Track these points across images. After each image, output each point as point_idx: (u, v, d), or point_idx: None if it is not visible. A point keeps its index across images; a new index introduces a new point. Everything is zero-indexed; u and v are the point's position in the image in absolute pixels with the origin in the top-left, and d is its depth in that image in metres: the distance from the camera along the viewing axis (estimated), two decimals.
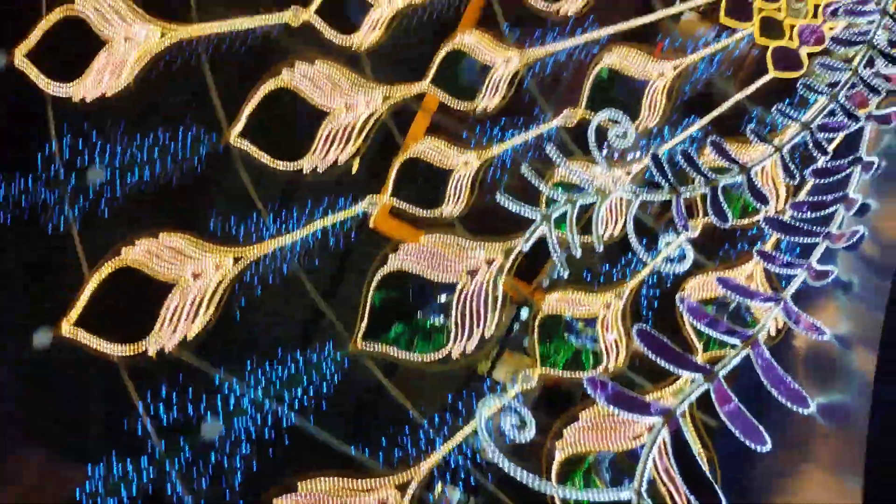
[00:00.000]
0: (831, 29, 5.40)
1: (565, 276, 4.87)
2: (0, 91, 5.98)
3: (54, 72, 5.69)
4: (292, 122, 6.23)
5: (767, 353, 4.54)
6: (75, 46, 5.86)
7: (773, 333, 4.77)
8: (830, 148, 5.00)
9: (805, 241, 4.84)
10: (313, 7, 5.86)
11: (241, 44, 5.95)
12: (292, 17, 5.78)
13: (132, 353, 5.07)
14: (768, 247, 5.26)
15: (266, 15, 5.76)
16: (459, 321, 5.29)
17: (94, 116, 5.90)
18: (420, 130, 6.83)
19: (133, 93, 5.81)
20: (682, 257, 4.68)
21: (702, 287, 5.28)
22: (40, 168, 5.77)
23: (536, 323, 5.53)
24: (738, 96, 5.69)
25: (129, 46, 5.63)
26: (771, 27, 5.63)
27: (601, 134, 4.99)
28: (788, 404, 4.45)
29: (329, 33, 5.88)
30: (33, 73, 5.62)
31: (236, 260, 5.47)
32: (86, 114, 5.81)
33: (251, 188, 6.08)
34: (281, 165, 5.81)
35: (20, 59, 5.63)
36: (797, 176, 4.80)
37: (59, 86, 5.62)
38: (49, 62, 5.75)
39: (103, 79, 5.59)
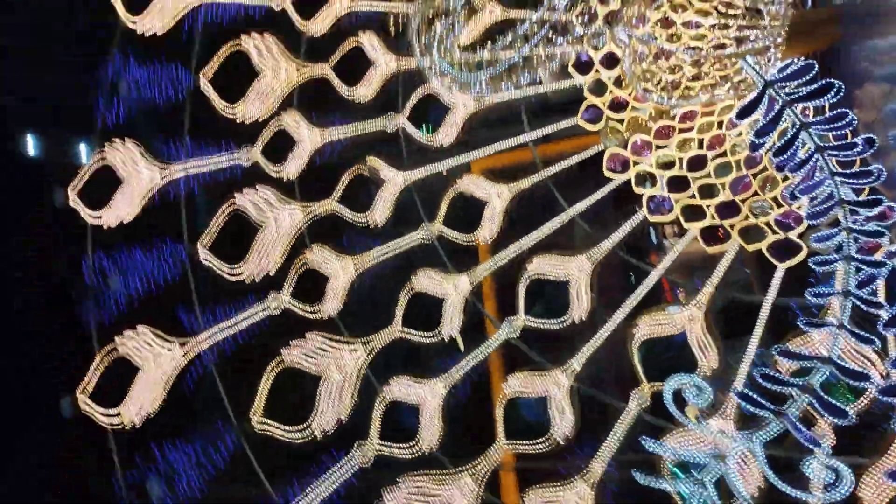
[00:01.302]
0: (800, 208, 5.79)
1: None
2: None
3: None
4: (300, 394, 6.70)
5: None
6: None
7: None
8: (881, 298, 5.02)
9: None
10: (286, 294, 6.51)
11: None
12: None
13: None
14: None
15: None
16: None
17: None
18: (512, 490, 6.76)
19: None
20: (836, 477, 4.34)
21: (877, 490, 4.83)
22: None
23: None
24: (768, 301, 5.85)
25: None
26: (752, 234, 6.03)
27: (679, 399, 4.97)
28: None
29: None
30: None
31: None
32: None
33: None
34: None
35: None
36: (874, 339, 4.71)
37: None
38: None
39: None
